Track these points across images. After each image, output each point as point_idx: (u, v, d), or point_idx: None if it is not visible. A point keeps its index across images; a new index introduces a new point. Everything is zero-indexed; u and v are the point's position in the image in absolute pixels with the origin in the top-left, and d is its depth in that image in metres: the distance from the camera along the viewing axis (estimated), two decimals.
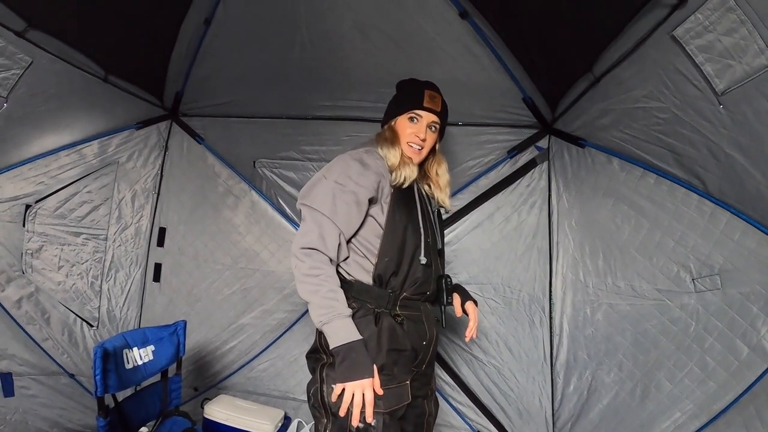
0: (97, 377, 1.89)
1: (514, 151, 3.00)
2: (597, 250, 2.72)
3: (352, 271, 1.78)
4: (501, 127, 3.01)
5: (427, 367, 1.87)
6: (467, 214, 3.09)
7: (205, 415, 2.85)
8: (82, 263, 2.99)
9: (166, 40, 2.76)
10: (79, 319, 2.95)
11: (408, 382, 1.72)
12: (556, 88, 2.75)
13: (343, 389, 1.55)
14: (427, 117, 1.88)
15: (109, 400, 1.97)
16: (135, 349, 2.18)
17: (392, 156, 1.83)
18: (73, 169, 2.88)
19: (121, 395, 2.11)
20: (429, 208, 1.97)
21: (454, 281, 2.96)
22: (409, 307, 1.81)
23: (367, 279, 1.76)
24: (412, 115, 1.87)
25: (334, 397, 1.58)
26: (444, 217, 2.96)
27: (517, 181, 3.00)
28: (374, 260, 1.75)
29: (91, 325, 3.01)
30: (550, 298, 2.90)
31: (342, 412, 1.56)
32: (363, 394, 1.54)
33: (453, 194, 3.03)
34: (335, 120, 3.14)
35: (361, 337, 1.59)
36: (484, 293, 3.01)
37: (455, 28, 2.53)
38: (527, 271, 2.96)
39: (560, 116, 2.84)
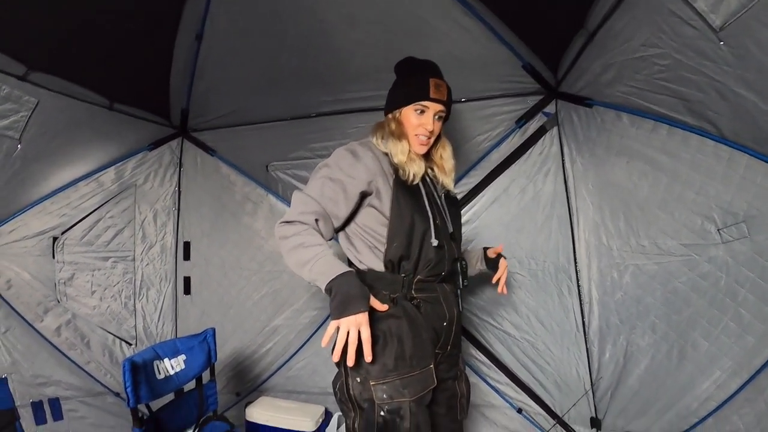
0: (128, 389, 1.98)
1: (522, 121, 2.93)
2: (617, 211, 2.63)
3: (365, 259, 1.78)
4: (505, 97, 2.94)
5: (452, 348, 1.85)
6: (483, 190, 3.05)
7: (247, 418, 2.92)
8: (114, 285, 3.12)
9: (162, 60, 2.82)
10: (117, 339, 3.09)
11: (432, 365, 1.70)
12: (554, 50, 2.66)
13: (338, 328, 1.50)
14: (434, 107, 1.82)
15: (143, 410, 2.06)
16: (166, 359, 2.26)
17: (399, 152, 1.79)
18: (93, 197, 3.01)
19: (157, 405, 2.19)
20: (435, 192, 1.92)
21: None
22: (425, 289, 1.79)
23: (380, 266, 1.76)
24: (419, 107, 1.81)
25: (327, 338, 1.50)
26: (459, 196, 2.96)
27: (529, 151, 2.94)
28: (383, 247, 1.74)
29: (129, 344, 3.14)
30: (576, 266, 2.81)
31: (335, 357, 1.51)
32: (359, 332, 1.49)
33: (466, 172, 3.06)
34: (339, 114, 3.14)
35: (348, 269, 1.56)
36: (510, 268, 2.89)
37: (442, 4, 2.48)
38: (549, 240, 2.90)
39: (563, 78, 2.75)
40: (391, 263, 1.74)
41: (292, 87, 3.02)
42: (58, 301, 2.86)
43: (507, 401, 3.01)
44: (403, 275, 1.75)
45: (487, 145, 3.02)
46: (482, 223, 3.06)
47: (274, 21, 2.65)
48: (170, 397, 2.32)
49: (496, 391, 3.04)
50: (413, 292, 1.76)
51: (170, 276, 3.38)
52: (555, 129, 2.89)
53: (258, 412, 2.92)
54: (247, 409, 2.97)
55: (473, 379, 3.00)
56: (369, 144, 1.83)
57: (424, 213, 1.78)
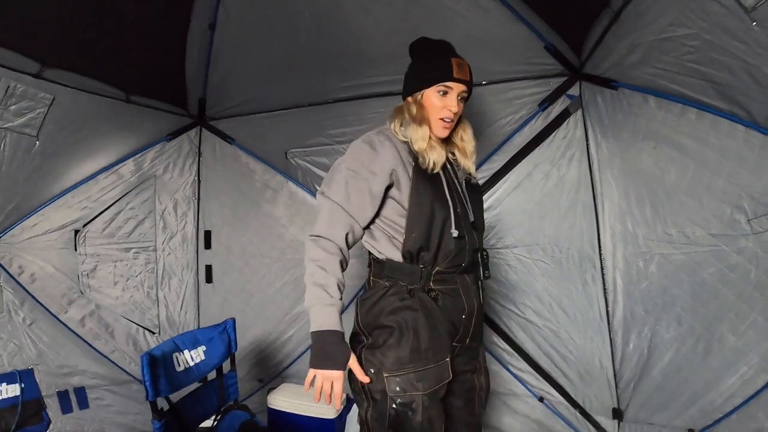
0: (147, 383, 1.97)
1: (545, 103, 2.82)
2: (643, 198, 2.53)
3: (383, 249, 1.73)
4: (527, 80, 2.84)
5: (471, 341, 1.78)
6: (505, 174, 2.97)
7: (269, 405, 2.95)
8: (136, 276, 3.17)
9: (176, 51, 2.81)
10: (141, 329, 3.16)
11: (448, 359, 1.66)
12: (577, 30, 2.56)
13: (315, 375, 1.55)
14: (457, 88, 1.72)
15: (162, 402, 2.08)
16: (186, 351, 2.27)
17: (420, 138, 1.70)
18: (113, 189, 3.05)
19: (177, 395, 2.20)
20: (455, 180, 1.82)
21: (500, 245, 2.96)
22: (444, 281, 1.72)
23: (398, 256, 1.70)
24: (442, 88, 1.71)
25: (307, 383, 1.56)
26: (481, 182, 2.90)
27: (553, 134, 2.84)
28: (402, 238, 1.68)
29: (153, 333, 3.21)
30: (600, 254, 2.73)
31: (316, 399, 1.56)
32: (332, 384, 1.54)
33: (488, 156, 2.98)
34: (357, 99, 3.07)
35: (339, 329, 1.55)
36: (533, 255, 2.91)
37: None
38: (574, 227, 2.81)
39: (587, 59, 2.64)
40: (410, 254, 1.69)
41: (309, 73, 2.97)
42: (82, 293, 2.92)
43: (529, 390, 2.97)
44: (421, 266, 1.69)
45: (509, 129, 2.93)
46: (505, 209, 2.99)
47: (287, 7, 2.60)
48: (191, 387, 2.33)
49: (518, 379, 3.00)
50: (431, 283, 1.70)
51: (192, 265, 3.42)
52: (579, 112, 2.78)
53: (280, 399, 2.94)
54: (269, 396, 2.99)
55: (495, 366, 3.04)
56: (386, 132, 1.76)
57: (444, 202, 1.71)
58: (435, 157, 1.70)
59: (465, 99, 1.79)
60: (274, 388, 3.13)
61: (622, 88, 2.52)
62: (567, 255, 2.84)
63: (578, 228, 2.81)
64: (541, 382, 2.94)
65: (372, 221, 1.72)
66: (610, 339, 2.75)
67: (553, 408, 2.92)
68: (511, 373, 3.04)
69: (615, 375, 2.74)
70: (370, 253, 1.78)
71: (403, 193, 1.68)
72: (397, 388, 1.58)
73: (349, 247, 1.67)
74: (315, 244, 1.62)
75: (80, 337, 2.88)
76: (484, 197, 2.93)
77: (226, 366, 2.52)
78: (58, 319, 2.83)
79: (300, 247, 3.27)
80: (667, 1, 1.92)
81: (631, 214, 2.61)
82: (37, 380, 2.62)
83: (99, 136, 2.86)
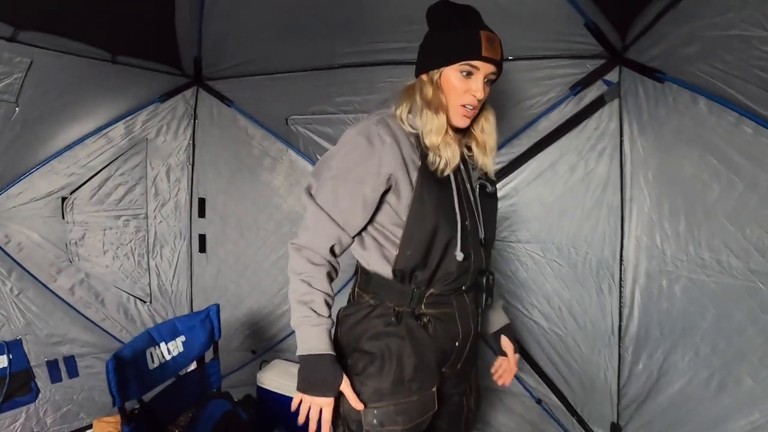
0: (113, 389, 1.84)
1: (578, 87, 2.47)
2: (678, 212, 2.24)
3: (372, 261, 1.50)
4: (560, 59, 2.47)
5: (463, 365, 1.59)
6: (526, 162, 2.67)
7: (259, 384, 2.91)
8: (126, 244, 3.07)
9: (164, 6, 2.49)
10: (132, 297, 3.10)
11: (434, 389, 1.49)
12: (626, 9, 2.17)
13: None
14: (485, 69, 1.39)
15: (133, 403, 2.01)
16: (162, 344, 2.16)
17: (434, 130, 1.41)
18: (102, 154, 2.89)
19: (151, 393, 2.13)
20: (469, 184, 1.55)
21: (513, 238, 2.72)
22: (438, 304, 1.50)
23: (388, 272, 1.47)
24: (467, 68, 1.38)
25: (293, 406, 1.41)
26: (498, 167, 2.61)
27: (583, 123, 2.51)
28: (395, 251, 1.45)
29: (144, 302, 3.15)
30: (621, 264, 2.49)
31: (300, 421, 1.40)
32: (321, 410, 1.39)
33: (508, 140, 2.68)
34: (367, 66, 2.75)
35: (329, 352, 1.39)
36: (546, 254, 2.69)
37: None
38: (595, 230, 2.56)
39: (633, 43, 2.27)
40: (402, 273, 1.46)
41: (313, 35, 2.66)
42: (70, 262, 2.85)
43: (527, 390, 2.86)
44: (414, 287, 1.47)
45: (534, 112, 2.61)
46: (521, 200, 2.72)
47: None
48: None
49: (517, 378, 2.85)
50: (423, 307, 1.49)
51: (185, 234, 3.30)
52: (616, 102, 2.43)
53: (270, 378, 2.89)
54: (259, 374, 2.94)
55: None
56: (388, 121, 1.44)
57: (452, 216, 1.45)
58: (449, 156, 1.42)
59: (492, 81, 1.47)
60: (267, 361, 3.10)
61: (668, 82, 2.17)
62: (584, 259, 2.60)
63: (600, 232, 2.56)
64: (541, 385, 2.82)
65: (364, 228, 1.49)
66: (619, 354, 2.55)
67: (550, 411, 2.81)
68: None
69: (619, 391, 2.58)
70: (359, 261, 1.56)
71: (402, 201, 1.43)
72: (375, 421, 1.43)
73: (336, 256, 1.47)
74: (298, 254, 1.43)
75: (70, 306, 2.85)
76: (499, 185, 2.68)
77: (209, 355, 2.42)
78: (47, 287, 2.78)
79: (298, 220, 3.15)
80: None
81: (661, 227, 2.33)
82: (26, 350, 2.61)
83: (85, 99, 2.67)
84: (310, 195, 1.44)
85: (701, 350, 2.19)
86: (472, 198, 1.54)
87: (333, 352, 1.40)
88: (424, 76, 1.45)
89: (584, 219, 2.59)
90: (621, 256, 2.50)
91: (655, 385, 2.40)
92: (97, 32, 2.38)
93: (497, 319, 1.83)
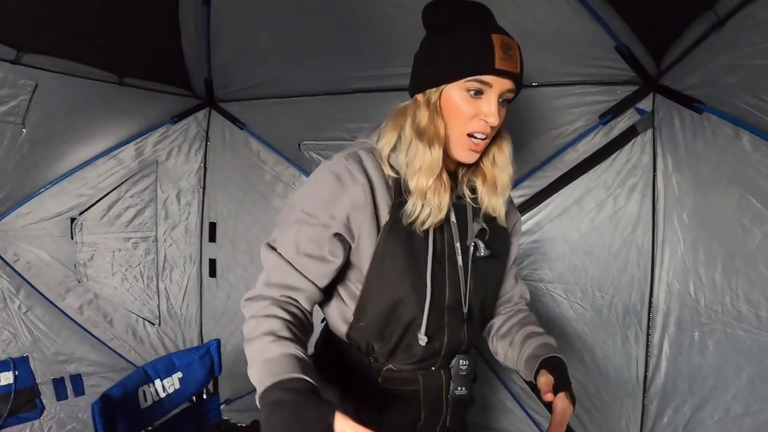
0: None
1: (608, 116, 2.30)
2: (715, 258, 2.04)
3: (330, 317, 1.28)
4: (589, 85, 2.29)
5: None
6: (550, 196, 2.50)
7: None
8: (135, 266, 3.06)
9: (170, 29, 2.48)
10: (141, 319, 3.09)
11: None
12: (663, 32, 2.00)
13: None
14: (500, 85, 1.06)
15: None
16: (157, 381, 2.07)
17: (424, 170, 1.10)
18: (111, 176, 2.90)
19: None
20: (458, 243, 1.21)
21: (535, 277, 2.52)
22: (397, 380, 1.24)
23: (343, 332, 1.23)
24: (476, 85, 1.06)
25: None
26: (519, 200, 2.48)
27: (613, 156, 2.33)
28: (350, 313, 1.20)
29: (153, 324, 3.13)
30: (650, 311, 2.29)
31: None
32: None
33: (531, 171, 2.52)
34: (379, 92, 2.61)
35: (305, 378, 0.91)
36: (570, 296, 2.51)
37: None
38: (623, 273, 2.37)
39: (668, 69, 2.08)
40: (356, 343, 1.23)
41: (323, 58, 2.57)
42: (79, 282, 2.87)
43: None
44: (371, 358, 1.24)
45: (560, 142, 2.44)
46: (545, 236, 2.55)
47: None
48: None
49: (533, 421, 2.72)
50: (379, 381, 1.23)
51: (195, 257, 3.26)
52: (649, 133, 2.24)
53: None
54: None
55: (510, 404, 2.77)
56: (363, 157, 1.15)
57: (420, 289, 1.15)
58: (435, 206, 1.12)
59: (509, 101, 1.14)
60: None
61: (708, 113, 1.98)
62: (610, 304, 2.42)
63: (628, 275, 2.36)
64: None
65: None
66: (643, 405, 2.36)
67: None
68: (527, 414, 2.74)
69: None
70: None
71: (362, 258, 1.16)
72: None
73: (295, 322, 1.09)
74: (252, 306, 1.11)
75: (78, 324, 2.86)
76: (523, 218, 2.46)
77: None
78: (55, 306, 2.80)
79: None
80: None
81: (695, 274, 2.13)
82: (33, 368, 2.63)
83: (93, 121, 2.68)
84: (271, 247, 1.18)
85: (732, 410, 2.02)
86: (459, 261, 1.21)
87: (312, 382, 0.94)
88: (419, 97, 1.14)
89: (611, 260, 2.40)
90: (650, 302, 2.30)
91: None
92: (102, 55, 2.39)
93: (529, 350, 1.33)
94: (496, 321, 1.44)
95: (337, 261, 1.15)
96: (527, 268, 2.57)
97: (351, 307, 1.19)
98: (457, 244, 1.21)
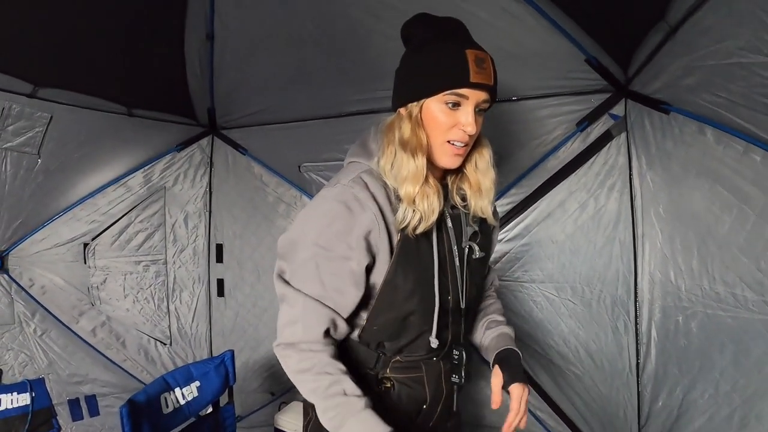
0: None
1: (584, 123, 2.47)
2: (691, 246, 2.17)
3: None
4: (565, 96, 2.47)
5: (438, 422, 1.43)
6: (535, 201, 2.65)
7: (276, 425, 2.91)
8: (146, 288, 3.17)
9: (175, 62, 2.67)
10: (152, 339, 3.18)
11: None
12: (624, 44, 2.19)
13: None
14: (475, 97, 1.15)
15: None
16: (177, 389, 2.19)
17: (410, 178, 1.17)
18: (121, 202, 3.03)
19: None
20: (456, 246, 1.32)
21: (526, 278, 2.66)
22: (405, 368, 1.35)
23: (354, 334, 1.33)
24: (453, 98, 1.15)
25: None
26: (508, 207, 2.63)
27: (592, 159, 2.49)
28: (365, 316, 1.29)
29: (164, 344, 3.22)
30: (636, 301, 2.42)
31: None
32: None
33: (516, 180, 2.66)
34: (372, 113, 2.80)
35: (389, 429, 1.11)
36: (560, 294, 2.64)
37: None
38: (608, 268, 2.51)
39: (635, 76, 2.26)
40: (367, 343, 1.33)
41: (319, 85, 2.77)
42: (92, 305, 2.97)
43: (547, 429, 2.76)
44: (380, 353, 1.34)
45: (541, 151, 2.60)
46: (533, 239, 2.69)
47: (289, 18, 2.39)
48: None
49: (536, 417, 2.78)
50: (388, 371, 1.34)
51: (203, 278, 3.38)
52: (623, 136, 2.41)
53: (287, 420, 2.86)
54: (276, 416, 2.94)
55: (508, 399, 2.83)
56: (365, 179, 1.22)
57: (430, 299, 1.26)
58: (424, 210, 1.18)
59: (484, 111, 1.23)
60: (286, 403, 3.09)
61: (674, 113, 2.14)
62: (598, 298, 2.54)
63: (613, 269, 2.50)
64: (561, 425, 2.72)
65: None
66: (638, 392, 2.47)
67: None
68: (530, 412, 2.76)
69: (639, 430, 2.48)
70: None
71: (377, 269, 1.23)
72: None
73: (332, 339, 1.25)
74: (293, 350, 1.22)
75: (92, 346, 2.94)
76: (510, 225, 2.67)
77: (224, 399, 2.42)
78: (69, 329, 2.88)
79: None
80: (739, 19, 1.57)
81: (674, 262, 2.26)
82: (48, 389, 2.67)
83: (104, 149, 2.82)
84: (285, 281, 1.24)
85: (721, 387, 2.10)
86: (457, 262, 1.33)
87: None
88: (402, 110, 1.23)
89: (597, 256, 2.54)
90: (635, 293, 2.43)
91: (676, 424, 2.30)
92: (112, 88, 2.55)
93: (491, 350, 1.48)
94: None
95: (362, 287, 1.22)
96: (519, 270, 2.72)
97: (363, 315, 1.29)
98: (455, 248, 1.32)
